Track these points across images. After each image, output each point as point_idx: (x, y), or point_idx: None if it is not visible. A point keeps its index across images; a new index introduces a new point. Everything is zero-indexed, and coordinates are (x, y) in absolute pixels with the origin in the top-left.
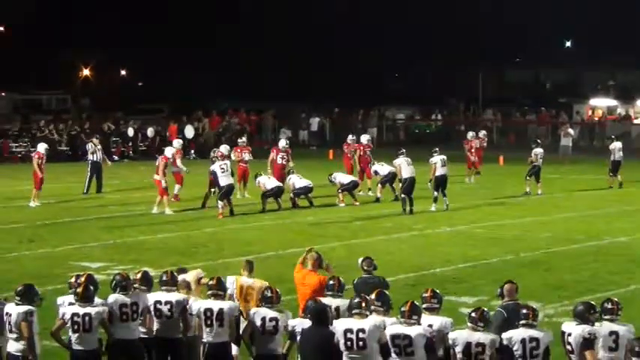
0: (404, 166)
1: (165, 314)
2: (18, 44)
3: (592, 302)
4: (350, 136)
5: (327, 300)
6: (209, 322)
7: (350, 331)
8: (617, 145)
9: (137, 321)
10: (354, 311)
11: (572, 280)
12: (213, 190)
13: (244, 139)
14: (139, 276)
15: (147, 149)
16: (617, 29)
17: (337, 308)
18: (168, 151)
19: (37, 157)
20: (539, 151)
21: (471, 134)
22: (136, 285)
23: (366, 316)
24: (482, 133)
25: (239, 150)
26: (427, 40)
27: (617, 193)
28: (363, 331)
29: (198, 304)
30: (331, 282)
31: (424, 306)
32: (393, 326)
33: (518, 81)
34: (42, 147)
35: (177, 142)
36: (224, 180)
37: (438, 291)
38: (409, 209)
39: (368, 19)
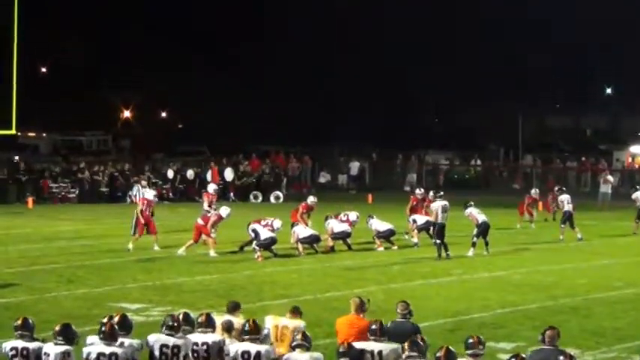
0: (439, 212)
1: (202, 355)
2: (60, 85)
3: None
4: (418, 190)
5: (369, 344)
6: None
7: None
8: (639, 193)
9: None
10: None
11: (611, 327)
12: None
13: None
14: (181, 317)
15: (186, 191)
16: None
17: (380, 352)
18: (211, 188)
19: (143, 203)
20: (564, 197)
21: (534, 191)
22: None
23: None
24: (535, 191)
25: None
26: (471, 85)
27: None
28: None
29: (235, 347)
30: (373, 326)
31: (469, 352)
32: None
33: (558, 127)
34: (150, 194)
35: (212, 187)
36: (265, 233)
37: (482, 337)
38: (445, 254)
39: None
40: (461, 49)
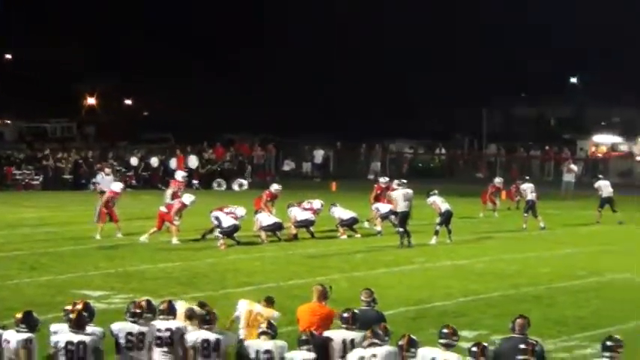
0: (400, 201)
1: (165, 342)
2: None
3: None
4: (382, 179)
5: (341, 332)
6: (206, 353)
7: (362, 358)
8: (602, 183)
9: (143, 351)
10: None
11: (574, 315)
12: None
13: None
14: (143, 304)
15: (150, 179)
16: (622, 66)
17: (352, 341)
18: (179, 175)
19: (110, 194)
20: (527, 186)
21: (498, 180)
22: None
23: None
24: (498, 180)
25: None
26: (431, 75)
27: (618, 230)
28: (375, 356)
29: (195, 334)
30: (345, 315)
31: (443, 341)
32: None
33: (522, 117)
34: (118, 187)
35: (180, 174)
36: (228, 221)
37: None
38: (407, 242)
39: (372, 53)
40: (461, 54)
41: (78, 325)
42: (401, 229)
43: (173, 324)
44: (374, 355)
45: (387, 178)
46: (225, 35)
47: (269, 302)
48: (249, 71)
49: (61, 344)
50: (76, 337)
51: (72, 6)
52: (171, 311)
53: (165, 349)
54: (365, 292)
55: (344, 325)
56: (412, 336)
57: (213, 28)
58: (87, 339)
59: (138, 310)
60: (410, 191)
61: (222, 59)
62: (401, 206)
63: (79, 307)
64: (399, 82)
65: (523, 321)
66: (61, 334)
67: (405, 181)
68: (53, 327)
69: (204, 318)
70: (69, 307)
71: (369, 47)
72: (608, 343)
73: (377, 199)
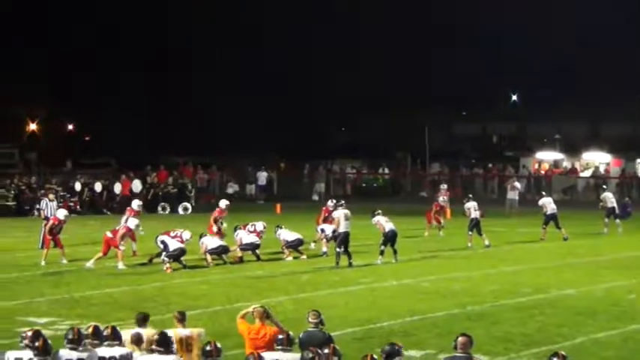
0: (341, 220)
1: None
2: None
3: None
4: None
5: (277, 354)
6: None
7: None
8: (545, 200)
9: None
10: None
11: (520, 332)
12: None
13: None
14: (90, 331)
15: (94, 204)
16: (563, 83)
17: None
18: (135, 204)
19: (54, 222)
20: (471, 204)
21: (442, 199)
22: (88, 340)
23: None
24: (442, 199)
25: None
26: (374, 93)
27: (563, 246)
28: None
29: (144, 359)
30: (280, 336)
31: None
32: None
33: (465, 134)
34: (62, 214)
35: (136, 204)
36: (174, 244)
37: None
38: (348, 262)
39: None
40: (366, 57)
41: (45, 352)
42: (340, 249)
43: (118, 351)
44: None
45: (335, 201)
46: (167, 58)
47: (184, 319)
48: (189, 94)
49: None
50: None
51: (13, 33)
52: (115, 337)
53: None
54: (312, 314)
55: (279, 347)
56: (374, 356)
57: (155, 51)
58: None
59: (76, 337)
60: (348, 212)
61: (161, 82)
62: (342, 226)
63: (32, 333)
64: (329, 93)
65: (465, 339)
66: None
67: (342, 202)
68: (8, 355)
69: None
70: (29, 334)
71: (296, 71)
72: (554, 359)
73: (325, 221)
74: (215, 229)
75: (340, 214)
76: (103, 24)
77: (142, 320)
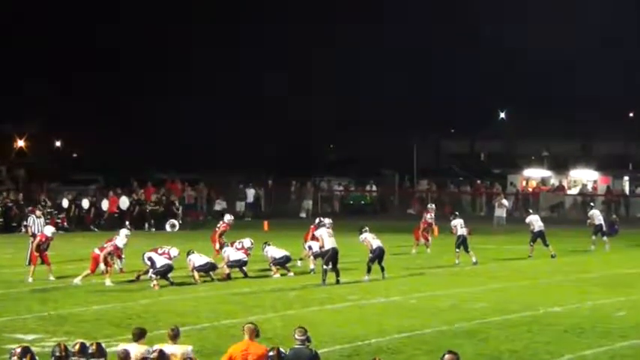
0: (325, 238)
1: None
2: None
3: None
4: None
5: None
6: None
7: None
8: (532, 217)
9: None
10: None
11: (508, 350)
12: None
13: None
14: (76, 348)
15: (82, 220)
16: (551, 100)
17: None
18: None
19: (42, 239)
20: (457, 222)
21: (429, 216)
22: (74, 358)
23: None
24: (430, 216)
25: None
26: (357, 110)
27: (550, 263)
28: None
29: None
30: (271, 353)
31: None
32: None
33: (453, 152)
34: (49, 231)
35: (124, 232)
36: (161, 261)
37: None
38: (336, 280)
39: (299, 89)
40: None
41: None
42: (327, 267)
43: None
44: None
45: (322, 219)
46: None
47: (176, 336)
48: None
49: None
50: None
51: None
52: (101, 354)
53: None
54: (299, 331)
55: None
56: None
57: (140, 70)
58: None
59: (62, 354)
60: (330, 230)
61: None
62: (328, 243)
63: (20, 350)
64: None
65: (452, 357)
66: None
67: (323, 219)
68: None
69: None
70: (18, 350)
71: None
72: None
73: (313, 238)
74: (218, 245)
75: (323, 231)
76: (100, 48)
77: (139, 336)
